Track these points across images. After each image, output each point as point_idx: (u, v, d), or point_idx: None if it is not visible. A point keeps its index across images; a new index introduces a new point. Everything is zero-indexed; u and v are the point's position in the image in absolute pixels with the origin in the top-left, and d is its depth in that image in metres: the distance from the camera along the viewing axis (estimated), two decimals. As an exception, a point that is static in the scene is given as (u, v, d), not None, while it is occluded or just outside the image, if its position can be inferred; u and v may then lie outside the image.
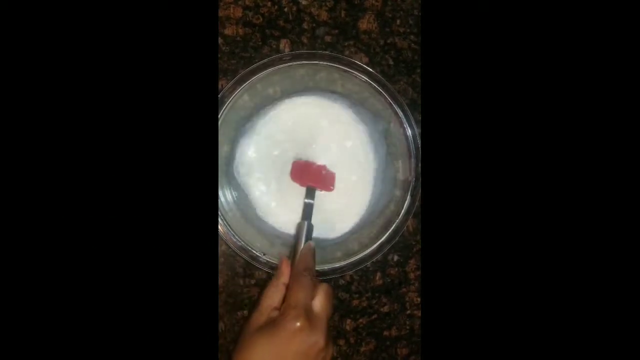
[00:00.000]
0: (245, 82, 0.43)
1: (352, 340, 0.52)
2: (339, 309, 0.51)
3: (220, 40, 0.49)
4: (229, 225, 0.44)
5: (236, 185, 0.49)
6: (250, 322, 0.38)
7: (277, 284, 0.40)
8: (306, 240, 0.44)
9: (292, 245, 0.45)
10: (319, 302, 0.38)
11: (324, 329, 0.37)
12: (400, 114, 0.45)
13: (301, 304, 0.37)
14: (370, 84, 0.44)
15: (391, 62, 0.51)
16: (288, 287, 0.39)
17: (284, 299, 0.39)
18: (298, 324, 0.36)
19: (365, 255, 0.45)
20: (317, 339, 0.36)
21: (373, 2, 0.50)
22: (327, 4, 0.50)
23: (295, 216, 0.48)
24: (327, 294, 0.39)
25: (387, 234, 0.45)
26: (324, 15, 0.50)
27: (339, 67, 0.44)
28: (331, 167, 0.48)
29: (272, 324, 0.37)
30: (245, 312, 0.50)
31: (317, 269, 0.45)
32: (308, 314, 0.37)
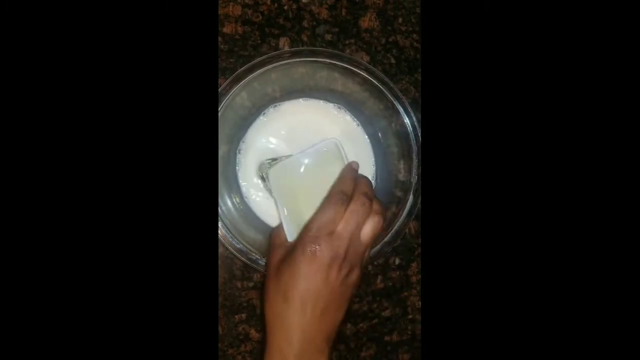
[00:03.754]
0: (242, 79, 0.42)
1: (352, 345, 0.51)
2: (339, 313, 0.50)
3: (219, 39, 0.48)
4: (227, 227, 0.43)
5: (234, 187, 0.48)
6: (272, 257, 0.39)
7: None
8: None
9: None
10: (341, 225, 0.37)
11: (341, 248, 0.36)
12: (402, 112, 0.44)
13: (318, 226, 0.36)
14: (372, 82, 0.43)
15: (393, 61, 0.50)
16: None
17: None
18: (311, 246, 0.36)
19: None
20: (331, 260, 0.36)
21: None
22: (328, 1, 0.49)
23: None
24: (353, 214, 0.37)
25: (388, 236, 0.44)
26: (324, 14, 0.49)
27: (339, 65, 0.43)
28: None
29: (290, 251, 0.37)
30: (243, 315, 0.49)
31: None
32: (324, 234, 0.36)
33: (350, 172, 0.41)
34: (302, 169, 0.43)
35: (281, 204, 0.43)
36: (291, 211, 0.42)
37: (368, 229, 0.37)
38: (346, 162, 0.42)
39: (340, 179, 0.40)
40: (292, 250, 0.37)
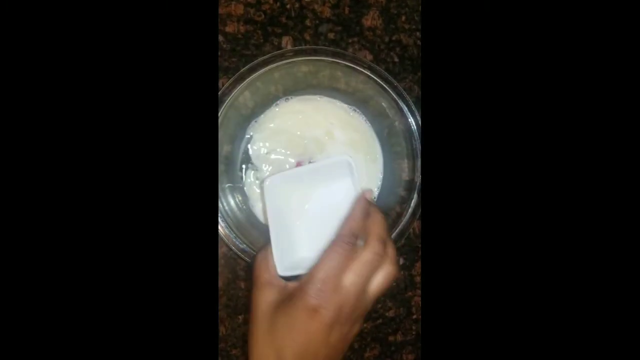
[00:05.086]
0: (245, 79, 0.41)
1: (356, 345, 0.50)
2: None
3: (221, 38, 0.48)
4: (231, 227, 0.43)
5: (238, 187, 0.48)
6: (263, 299, 0.34)
7: None
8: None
9: None
10: (350, 277, 0.31)
11: (346, 306, 0.31)
12: (406, 111, 0.43)
13: (323, 278, 0.31)
14: (375, 81, 0.43)
15: (396, 60, 0.50)
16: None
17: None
18: (314, 301, 0.31)
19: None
20: (335, 319, 0.31)
21: (377, -2, 0.49)
22: (331, 0, 0.49)
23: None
24: (365, 266, 0.32)
25: (392, 236, 0.44)
26: (327, 12, 0.49)
27: (342, 64, 0.43)
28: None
29: (288, 299, 0.32)
30: (247, 315, 0.49)
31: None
32: (330, 289, 0.31)
33: (363, 206, 0.35)
34: (304, 184, 0.38)
35: (273, 225, 0.36)
36: (284, 235, 0.36)
37: (379, 281, 0.33)
38: (357, 186, 0.35)
39: (351, 216, 0.34)
40: (290, 300, 0.32)
